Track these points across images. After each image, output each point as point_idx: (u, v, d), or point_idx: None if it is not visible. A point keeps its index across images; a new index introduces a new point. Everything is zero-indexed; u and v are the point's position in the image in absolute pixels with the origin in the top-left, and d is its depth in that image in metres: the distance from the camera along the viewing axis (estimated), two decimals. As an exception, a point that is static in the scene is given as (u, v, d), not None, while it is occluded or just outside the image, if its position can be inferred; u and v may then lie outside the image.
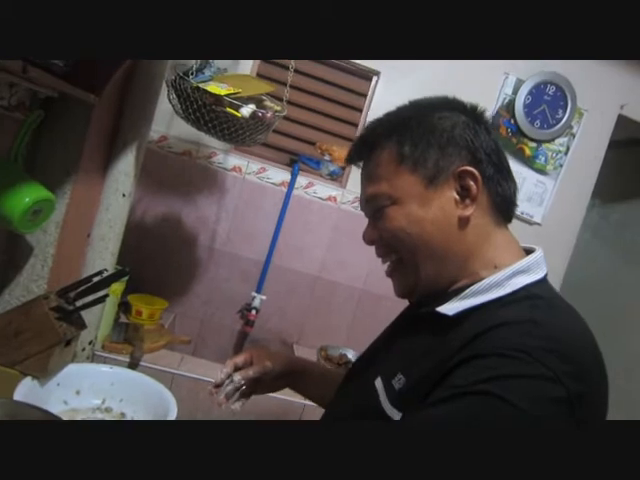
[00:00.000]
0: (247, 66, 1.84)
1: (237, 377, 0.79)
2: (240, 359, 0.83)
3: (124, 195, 1.32)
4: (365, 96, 1.96)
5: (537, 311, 0.55)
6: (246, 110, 1.10)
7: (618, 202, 2.98)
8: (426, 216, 0.61)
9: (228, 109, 1.06)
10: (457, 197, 0.61)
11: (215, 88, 1.05)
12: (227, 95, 1.04)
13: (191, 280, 1.90)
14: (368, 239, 0.68)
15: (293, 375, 0.88)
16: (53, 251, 1.16)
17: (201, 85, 1.05)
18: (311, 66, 1.93)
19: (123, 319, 1.63)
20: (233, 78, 1.22)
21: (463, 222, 0.61)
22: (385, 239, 0.65)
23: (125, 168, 1.30)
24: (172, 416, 1.03)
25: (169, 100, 1.18)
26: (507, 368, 0.48)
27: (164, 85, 1.26)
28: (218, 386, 0.81)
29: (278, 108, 1.20)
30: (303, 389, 0.93)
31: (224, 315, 1.93)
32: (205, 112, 1.06)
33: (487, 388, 0.47)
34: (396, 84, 1.93)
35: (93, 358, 1.38)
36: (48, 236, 1.15)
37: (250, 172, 1.89)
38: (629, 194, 2.90)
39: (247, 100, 1.13)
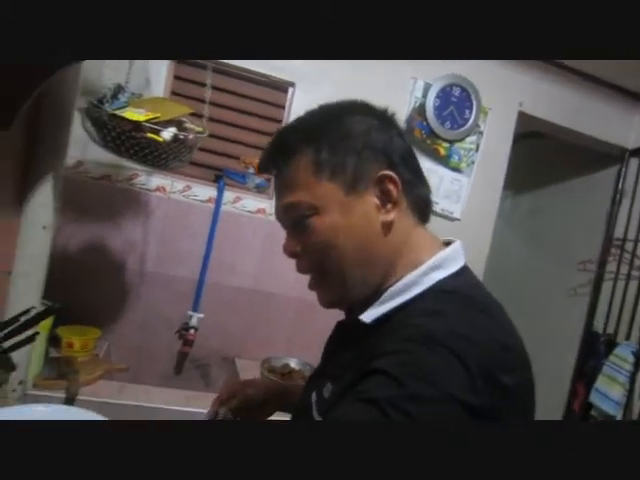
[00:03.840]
0: (160, 86, 1.82)
1: (222, 410, 0.81)
2: (224, 393, 0.84)
3: (44, 227, 1.27)
4: (283, 107, 2.01)
5: (442, 304, 0.55)
6: (167, 134, 1.10)
7: (527, 192, 3.22)
8: (350, 224, 0.60)
9: (149, 134, 1.06)
10: (378, 202, 0.61)
11: (133, 114, 1.04)
12: (146, 121, 1.04)
13: (123, 306, 1.84)
14: (289, 251, 0.66)
15: (277, 398, 0.88)
16: (-27, 294, 1.10)
17: (118, 112, 1.04)
18: (227, 81, 1.94)
19: (54, 353, 1.56)
20: (149, 102, 1.21)
21: (386, 227, 0.61)
22: (309, 251, 0.63)
23: (43, 200, 1.25)
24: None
25: (84, 128, 1.15)
26: (413, 356, 0.49)
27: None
28: None
29: (199, 129, 1.21)
30: (290, 409, 0.90)
31: (161, 338, 1.89)
32: (125, 139, 1.05)
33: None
34: (311, 94, 1.99)
35: (25, 398, 1.31)
36: (-34, 279, 1.09)
37: (175, 191, 1.87)
38: (536, 184, 3.15)
39: (167, 123, 1.13)
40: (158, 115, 1.07)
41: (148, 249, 1.86)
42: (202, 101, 1.88)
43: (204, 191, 1.90)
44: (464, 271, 0.62)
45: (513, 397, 0.50)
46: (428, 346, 0.48)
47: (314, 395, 0.65)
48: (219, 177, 1.93)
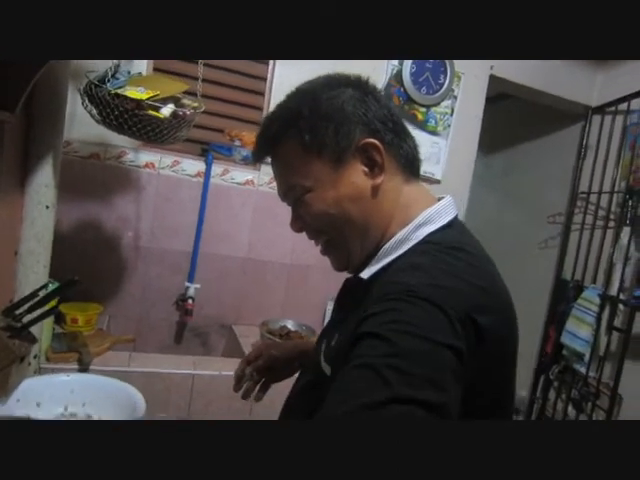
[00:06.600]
0: (142, 62, 1.83)
1: (249, 370, 0.89)
2: (251, 355, 0.92)
3: (47, 207, 1.31)
4: (264, 80, 2.04)
5: (421, 257, 0.59)
6: (166, 110, 1.14)
7: (498, 152, 3.33)
8: (340, 194, 0.65)
9: (150, 112, 1.10)
10: (365, 169, 0.66)
11: (135, 93, 1.08)
12: (148, 99, 1.08)
13: (121, 281, 1.89)
14: (295, 228, 0.73)
15: (299, 357, 0.94)
16: (-14, 274, 1.14)
17: (119, 91, 1.08)
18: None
19: (58, 329, 1.62)
20: (147, 80, 1.24)
21: (376, 191, 0.66)
22: (310, 224, 0.70)
23: (44, 180, 1.29)
24: (141, 410, 1.09)
25: (84, 108, 1.18)
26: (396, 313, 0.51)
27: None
28: (238, 383, 0.90)
29: (196, 105, 1.25)
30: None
31: (160, 310, 1.96)
32: (127, 117, 1.09)
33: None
34: (292, 65, 2.02)
35: (40, 371, 1.37)
36: (-22, 260, 1.13)
37: (164, 166, 1.91)
38: (506, 144, 3.26)
39: (165, 100, 1.17)
40: (158, 93, 1.11)
41: (142, 224, 1.90)
42: (184, 76, 1.91)
43: (192, 166, 1.94)
44: (453, 223, 0.67)
45: (489, 337, 0.53)
46: (409, 301, 0.51)
47: (323, 345, 0.71)
48: (206, 151, 1.96)
